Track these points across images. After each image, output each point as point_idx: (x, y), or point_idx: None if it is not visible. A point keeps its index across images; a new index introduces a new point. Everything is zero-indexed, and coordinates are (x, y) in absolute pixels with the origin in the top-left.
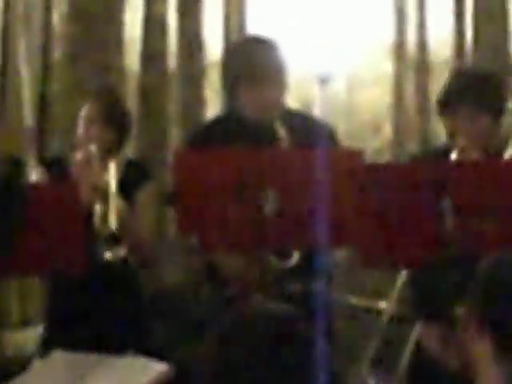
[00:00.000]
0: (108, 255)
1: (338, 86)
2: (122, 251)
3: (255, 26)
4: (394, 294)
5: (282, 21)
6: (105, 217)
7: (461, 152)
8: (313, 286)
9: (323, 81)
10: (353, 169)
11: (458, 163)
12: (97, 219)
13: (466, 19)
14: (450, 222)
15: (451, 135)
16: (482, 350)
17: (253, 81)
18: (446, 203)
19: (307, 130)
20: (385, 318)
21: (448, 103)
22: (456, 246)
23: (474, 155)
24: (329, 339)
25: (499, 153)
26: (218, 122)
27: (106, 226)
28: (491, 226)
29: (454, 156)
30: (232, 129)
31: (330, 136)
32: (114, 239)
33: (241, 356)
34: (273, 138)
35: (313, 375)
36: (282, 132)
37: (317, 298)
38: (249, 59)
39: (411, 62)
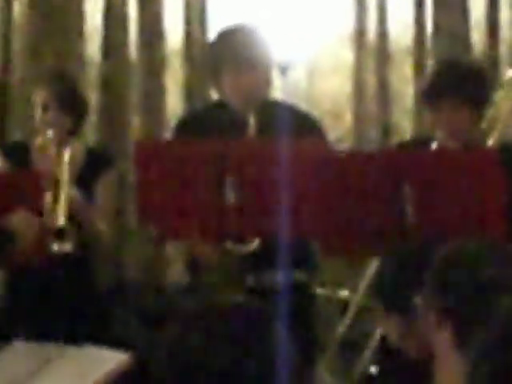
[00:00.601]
0: (55, 248)
1: (298, 75)
2: (67, 246)
3: (216, 15)
4: (362, 286)
5: (242, 9)
6: (54, 209)
7: (441, 143)
8: (278, 277)
9: (283, 69)
10: (315, 158)
11: (417, 151)
12: (46, 210)
13: (427, 8)
14: (409, 210)
15: (432, 126)
16: (441, 338)
17: (237, 69)
18: (406, 191)
19: (289, 121)
20: (350, 312)
21: (431, 95)
22: (416, 234)
23: (454, 147)
24: (304, 332)
25: (480, 145)
26: (204, 109)
27: (54, 218)
28: (451, 213)
29: (434, 147)
30: (213, 117)
31: (316, 129)
32: (61, 234)
33: (200, 345)
34: (245, 127)
35: (270, 368)
36: (251, 121)
37: (281, 289)
38: (233, 48)
39: (371, 51)
